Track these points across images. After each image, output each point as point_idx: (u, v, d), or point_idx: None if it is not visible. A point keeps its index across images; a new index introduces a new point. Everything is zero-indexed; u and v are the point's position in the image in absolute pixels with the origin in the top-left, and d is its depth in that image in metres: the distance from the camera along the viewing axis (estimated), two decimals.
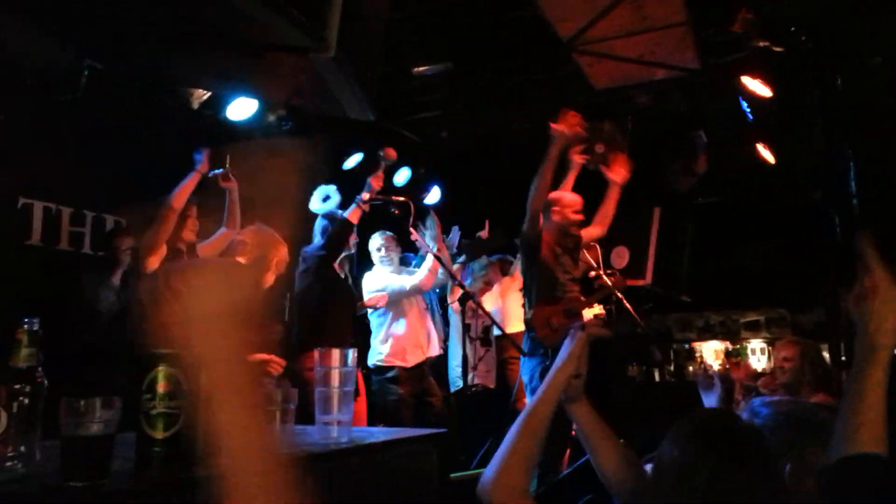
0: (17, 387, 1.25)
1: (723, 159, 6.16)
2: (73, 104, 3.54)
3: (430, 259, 4.54)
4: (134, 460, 1.31)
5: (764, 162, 5.96)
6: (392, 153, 4.40)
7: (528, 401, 3.83)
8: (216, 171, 3.71)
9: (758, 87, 5.02)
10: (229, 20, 2.35)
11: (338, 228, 4.10)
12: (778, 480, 1.19)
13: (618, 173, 4.44)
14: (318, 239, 4.21)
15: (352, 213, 4.12)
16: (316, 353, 3.82)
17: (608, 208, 4.36)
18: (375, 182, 4.19)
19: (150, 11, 2.56)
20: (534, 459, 1.45)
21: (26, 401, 1.25)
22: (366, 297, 4.57)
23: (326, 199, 4.31)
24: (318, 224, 4.22)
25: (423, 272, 4.59)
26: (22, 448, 1.24)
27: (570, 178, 4.34)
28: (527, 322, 3.98)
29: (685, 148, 5.95)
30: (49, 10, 2.62)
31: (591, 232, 4.32)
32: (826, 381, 3.30)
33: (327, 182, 4.43)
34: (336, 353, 1.88)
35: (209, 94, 3.94)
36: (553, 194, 4.09)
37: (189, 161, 3.62)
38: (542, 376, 3.84)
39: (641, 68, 5.10)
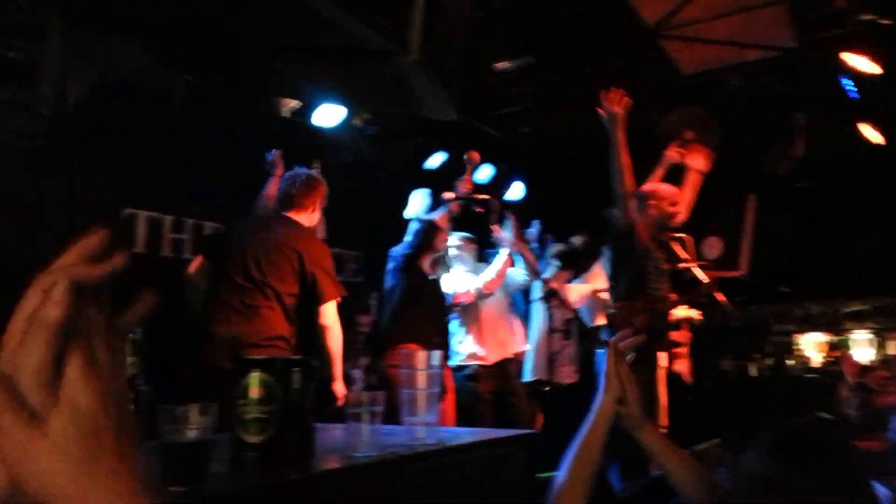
0: None
1: (822, 141, 5.82)
2: (171, 117, 3.73)
3: (498, 261, 4.52)
4: (229, 464, 1.36)
5: (868, 142, 5.58)
6: (476, 156, 4.43)
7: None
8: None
9: (863, 64, 4.69)
10: (314, 28, 2.40)
11: (423, 229, 4.17)
12: (867, 501, 1.10)
13: (696, 160, 4.22)
14: (408, 240, 4.29)
15: (441, 217, 4.19)
16: (401, 352, 3.87)
17: (687, 195, 4.17)
18: (463, 186, 4.27)
19: (237, 25, 2.65)
20: (589, 483, 1.44)
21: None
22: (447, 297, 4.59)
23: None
24: (412, 227, 4.30)
25: (489, 275, 4.55)
26: None
27: (659, 173, 4.18)
28: (609, 317, 3.89)
29: (782, 131, 5.65)
30: (145, 27, 2.76)
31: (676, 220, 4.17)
32: None
33: (416, 185, 4.50)
34: (422, 355, 1.89)
35: (298, 102, 4.07)
36: (647, 186, 3.95)
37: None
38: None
39: (733, 50, 4.90)
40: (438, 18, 2.41)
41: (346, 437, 1.64)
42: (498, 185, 5.69)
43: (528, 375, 5.05)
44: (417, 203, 4.51)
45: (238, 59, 3.10)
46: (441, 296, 4.42)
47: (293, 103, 4.10)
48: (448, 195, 4.20)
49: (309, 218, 3.40)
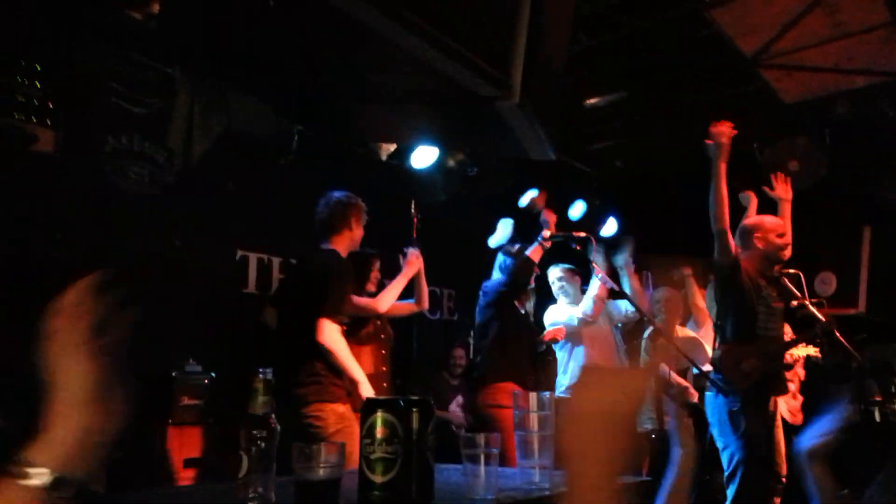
0: (255, 432, 1.36)
1: None
2: (284, 165, 3.94)
3: (594, 286, 4.42)
4: (357, 502, 1.38)
5: None
6: (540, 199, 4.42)
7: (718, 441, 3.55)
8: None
9: None
10: (416, 74, 2.46)
11: (520, 265, 4.13)
12: None
13: (782, 190, 4.00)
14: (497, 274, 4.27)
15: (533, 251, 4.15)
16: (506, 392, 3.81)
17: (787, 227, 3.90)
18: (549, 217, 4.23)
19: (343, 73, 2.76)
20: None
21: (263, 445, 1.36)
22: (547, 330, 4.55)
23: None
24: (499, 259, 4.28)
25: (587, 301, 4.45)
26: (260, 489, 1.35)
27: (752, 208, 4.04)
28: (714, 362, 3.67)
29: (894, 159, 5.33)
30: (264, 80, 2.92)
31: None
32: None
33: (504, 216, 4.50)
34: (533, 397, 1.86)
35: (395, 147, 4.20)
36: (751, 220, 3.79)
37: (377, 209, 3.85)
38: (730, 420, 3.51)
39: (838, 77, 4.70)
40: (539, 60, 2.42)
41: (463, 478, 1.64)
42: (591, 221, 5.63)
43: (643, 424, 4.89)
44: (501, 232, 4.50)
45: (342, 107, 3.22)
46: (533, 331, 4.38)
47: (391, 147, 4.23)
48: (546, 233, 4.17)
49: (350, 238, 3.43)
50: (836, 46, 4.40)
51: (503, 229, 4.43)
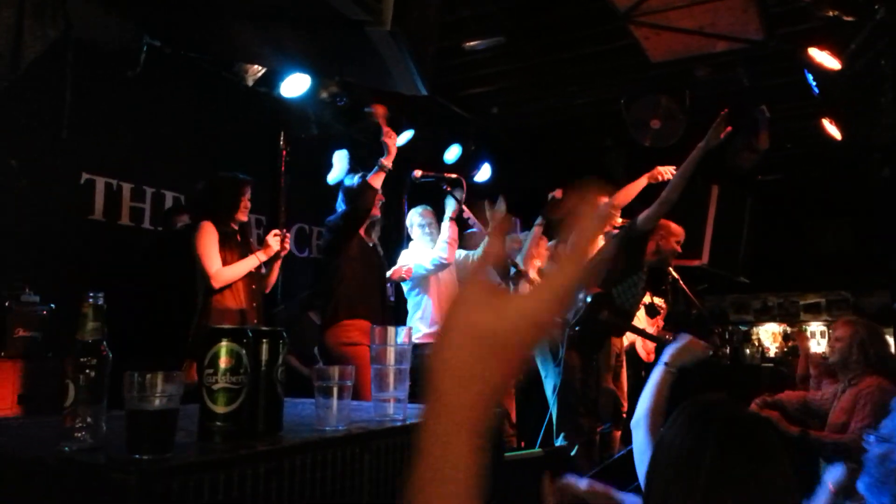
0: (84, 360, 1.26)
1: (786, 135, 5.93)
2: (134, 81, 3.60)
3: (445, 230, 4.29)
4: (196, 434, 1.32)
5: (830, 138, 5.71)
6: (380, 109, 4.14)
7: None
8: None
9: (825, 60, 4.78)
10: None
11: (359, 190, 3.78)
12: (787, 476, 1.12)
13: (655, 178, 4.49)
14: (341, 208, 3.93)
15: (374, 177, 3.77)
16: (352, 327, 3.79)
17: (632, 191, 4.40)
18: (389, 140, 3.81)
19: None
20: None
21: (92, 373, 1.27)
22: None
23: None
24: (340, 194, 3.95)
25: (439, 246, 4.33)
26: (89, 419, 1.26)
27: (635, 186, 4.33)
28: (583, 301, 3.95)
29: (746, 124, 5.74)
30: None
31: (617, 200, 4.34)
32: (881, 363, 3.19)
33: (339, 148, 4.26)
34: (391, 331, 1.87)
35: (263, 70, 3.95)
36: (665, 223, 4.13)
37: (243, 136, 3.65)
38: (550, 350, 3.94)
39: (701, 40, 4.93)
40: None
41: (315, 411, 1.61)
42: (466, 165, 5.66)
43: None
44: (338, 166, 4.23)
45: (203, 22, 2.99)
46: (383, 265, 4.14)
47: (258, 71, 3.96)
48: (417, 173, 4.11)
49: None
50: (702, 10, 4.60)
51: (339, 162, 4.19)
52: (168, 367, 1.24)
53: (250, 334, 1.41)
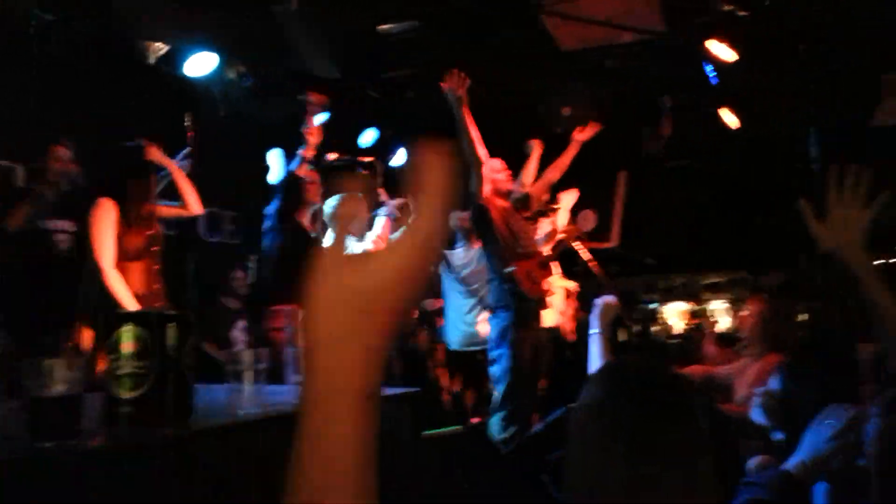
0: None
1: (689, 124, 6.20)
2: (25, 57, 3.36)
3: (378, 225, 4.35)
4: (101, 420, 1.28)
5: (727, 126, 6.02)
6: (318, 98, 4.14)
7: (497, 354, 3.91)
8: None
9: (722, 51, 5.03)
10: None
11: (285, 182, 3.97)
12: (702, 434, 1.16)
13: (581, 132, 4.62)
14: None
15: (298, 167, 3.92)
16: (283, 313, 3.75)
17: (564, 160, 4.53)
18: (308, 133, 3.91)
19: None
20: None
21: None
22: None
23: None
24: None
25: (369, 241, 4.33)
26: None
27: (531, 163, 4.45)
28: (508, 276, 3.97)
29: (652, 112, 5.97)
30: None
31: (548, 176, 4.45)
32: (784, 341, 3.38)
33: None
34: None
35: (167, 48, 3.77)
36: (484, 163, 4.10)
37: (145, 116, 3.48)
38: (502, 332, 3.90)
39: (609, 31, 5.07)
40: None
41: (228, 395, 1.59)
42: (382, 150, 5.63)
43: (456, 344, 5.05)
44: (275, 166, 4.26)
45: None
46: None
47: (161, 49, 3.78)
48: (331, 155, 4.06)
49: None
50: (610, 1, 4.74)
51: (275, 162, 4.20)
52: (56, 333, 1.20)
53: (156, 317, 1.37)
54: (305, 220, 4.03)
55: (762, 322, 3.33)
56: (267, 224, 4.02)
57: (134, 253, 3.26)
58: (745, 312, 3.44)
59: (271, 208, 4.01)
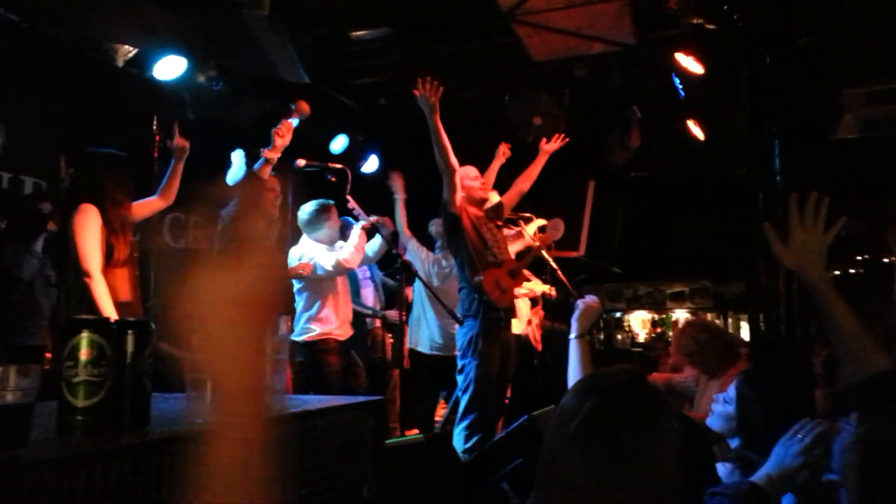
0: None
1: (655, 135, 6.30)
2: None
3: (355, 235, 4.38)
4: (55, 429, 1.26)
5: (694, 139, 6.12)
6: (303, 107, 4.13)
7: (464, 363, 3.92)
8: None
9: (690, 64, 5.12)
10: None
11: (244, 182, 3.64)
12: (662, 442, 1.18)
13: (549, 143, 4.79)
14: None
15: (261, 169, 3.75)
16: None
17: (533, 170, 4.67)
18: (276, 135, 3.73)
19: None
20: None
21: None
22: (290, 266, 4.36)
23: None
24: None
25: (347, 250, 4.38)
26: None
27: (493, 167, 4.52)
28: (477, 285, 3.97)
29: (620, 123, 6.05)
30: None
31: (519, 185, 4.57)
32: (730, 350, 3.51)
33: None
34: None
35: (135, 51, 3.72)
36: (459, 170, 4.12)
37: (113, 120, 3.45)
38: (469, 342, 3.91)
39: (580, 41, 5.13)
40: None
41: (187, 403, 1.57)
42: (352, 157, 5.62)
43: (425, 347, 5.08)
44: (236, 165, 4.13)
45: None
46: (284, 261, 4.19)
47: (129, 52, 3.73)
48: (301, 161, 4.04)
49: None
50: (580, 12, 4.79)
51: (236, 162, 4.15)
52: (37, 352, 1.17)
53: (113, 324, 1.36)
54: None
55: (699, 348, 3.44)
56: (220, 226, 3.88)
57: (119, 259, 3.21)
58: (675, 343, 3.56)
59: (227, 209, 3.88)
